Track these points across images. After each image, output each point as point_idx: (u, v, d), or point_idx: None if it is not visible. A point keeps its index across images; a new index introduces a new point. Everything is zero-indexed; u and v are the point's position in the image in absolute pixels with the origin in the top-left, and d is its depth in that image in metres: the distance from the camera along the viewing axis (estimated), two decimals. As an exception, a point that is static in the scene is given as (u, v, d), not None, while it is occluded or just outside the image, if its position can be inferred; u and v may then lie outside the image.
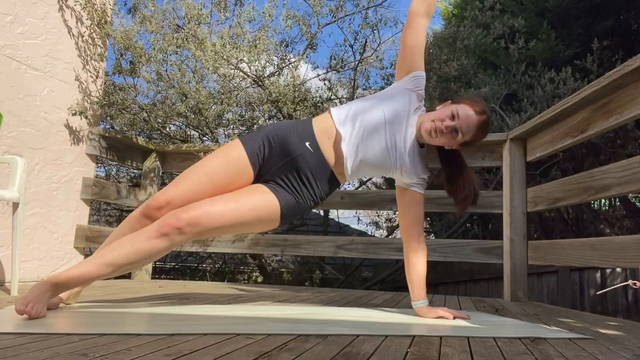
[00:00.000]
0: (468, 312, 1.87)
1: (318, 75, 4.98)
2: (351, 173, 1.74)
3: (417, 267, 1.78)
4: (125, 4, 3.60)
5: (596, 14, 4.69)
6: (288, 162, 1.69)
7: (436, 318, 1.71)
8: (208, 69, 3.39)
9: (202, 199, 1.60)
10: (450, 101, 1.78)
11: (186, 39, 3.35)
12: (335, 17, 4.64)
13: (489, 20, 4.72)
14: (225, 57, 3.50)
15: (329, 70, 4.90)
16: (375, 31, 4.88)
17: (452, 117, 1.68)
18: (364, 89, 5.38)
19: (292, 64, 4.57)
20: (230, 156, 1.68)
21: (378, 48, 5.14)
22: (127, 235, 1.57)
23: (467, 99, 1.75)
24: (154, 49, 3.41)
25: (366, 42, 4.91)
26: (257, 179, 1.71)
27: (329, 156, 1.71)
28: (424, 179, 1.79)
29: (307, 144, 1.70)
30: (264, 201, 1.63)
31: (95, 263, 1.49)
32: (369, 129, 1.71)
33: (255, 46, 3.61)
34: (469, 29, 4.72)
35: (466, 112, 1.69)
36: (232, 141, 1.74)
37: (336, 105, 5.38)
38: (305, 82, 4.34)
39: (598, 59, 4.09)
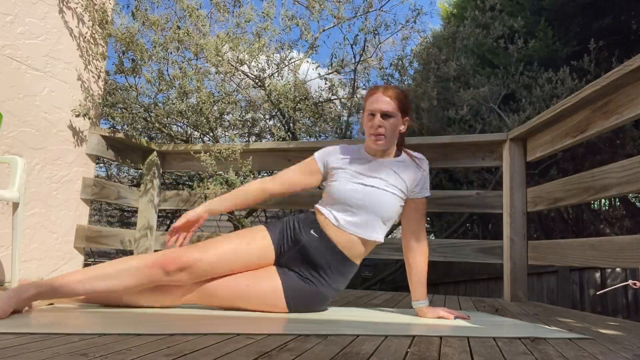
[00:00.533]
0: (468, 312, 1.87)
1: (319, 75, 4.98)
2: (382, 237, 1.80)
3: (417, 267, 1.79)
4: (128, 6, 3.60)
5: (593, 12, 4.69)
6: (298, 251, 1.74)
7: (437, 318, 1.71)
8: (210, 60, 3.38)
9: (224, 270, 1.66)
10: (363, 109, 1.83)
11: (187, 33, 3.34)
12: (336, 22, 4.63)
13: (489, 21, 4.72)
14: (225, 57, 3.50)
15: (329, 69, 4.90)
16: (376, 35, 4.88)
17: (372, 115, 1.74)
18: (364, 89, 5.38)
19: (293, 64, 4.56)
20: (257, 239, 1.75)
21: (378, 50, 5.14)
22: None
23: (367, 94, 1.81)
24: (155, 47, 3.40)
25: (365, 42, 4.91)
26: (275, 264, 1.77)
27: (338, 240, 1.74)
28: (419, 186, 1.82)
29: (311, 231, 1.76)
30: (266, 283, 1.69)
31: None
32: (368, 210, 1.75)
33: (255, 46, 3.61)
34: (468, 29, 4.72)
35: (374, 100, 1.74)
36: (257, 226, 1.83)
37: (336, 105, 5.38)
38: (305, 82, 4.34)
39: (595, 59, 4.10)
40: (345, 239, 1.74)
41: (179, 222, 1.73)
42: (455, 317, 1.70)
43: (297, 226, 1.79)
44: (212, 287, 1.66)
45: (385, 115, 1.73)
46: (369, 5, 4.71)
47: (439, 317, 1.71)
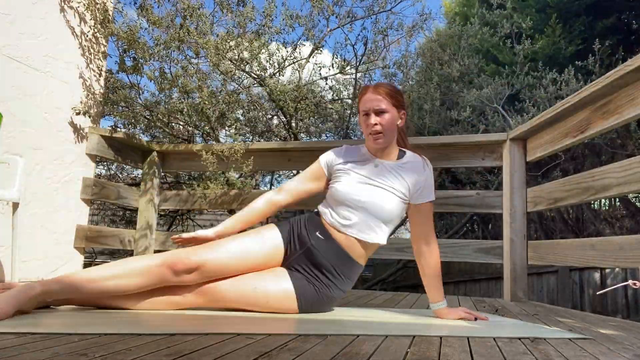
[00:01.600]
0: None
1: (320, 75, 4.97)
2: (384, 238, 1.78)
3: (430, 269, 1.76)
4: (135, 2, 3.57)
5: (597, 12, 4.69)
6: (304, 253, 1.74)
7: (458, 319, 1.69)
8: (210, 58, 3.37)
9: (233, 270, 1.65)
10: (358, 111, 1.84)
11: (188, 31, 3.33)
12: (341, 24, 4.62)
13: (497, 19, 4.72)
14: (226, 57, 3.50)
15: (331, 69, 4.88)
16: (385, 37, 4.87)
17: (367, 115, 1.75)
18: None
19: (297, 64, 4.55)
20: (266, 237, 1.75)
21: (384, 51, 5.13)
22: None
23: (359, 95, 1.81)
24: (157, 45, 3.40)
25: (367, 41, 4.90)
26: (282, 265, 1.77)
27: (341, 241, 1.74)
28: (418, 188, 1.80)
29: (317, 233, 1.76)
30: (276, 284, 1.67)
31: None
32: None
33: (256, 45, 3.60)
34: (475, 27, 4.71)
35: (366, 100, 1.75)
36: (267, 225, 1.82)
37: (338, 104, 5.38)
38: (308, 83, 4.34)
39: (599, 58, 4.09)
40: (347, 240, 1.74)
41: (187, 235, 1.74)
42: (476, 318, 1.68)
43: (303, 227, 1.79)
44: (219, 289, 1.63)
45: (379, 112, 1.73)
46: (381, 7, 4.71)
47: (460, 319, 1.69)
